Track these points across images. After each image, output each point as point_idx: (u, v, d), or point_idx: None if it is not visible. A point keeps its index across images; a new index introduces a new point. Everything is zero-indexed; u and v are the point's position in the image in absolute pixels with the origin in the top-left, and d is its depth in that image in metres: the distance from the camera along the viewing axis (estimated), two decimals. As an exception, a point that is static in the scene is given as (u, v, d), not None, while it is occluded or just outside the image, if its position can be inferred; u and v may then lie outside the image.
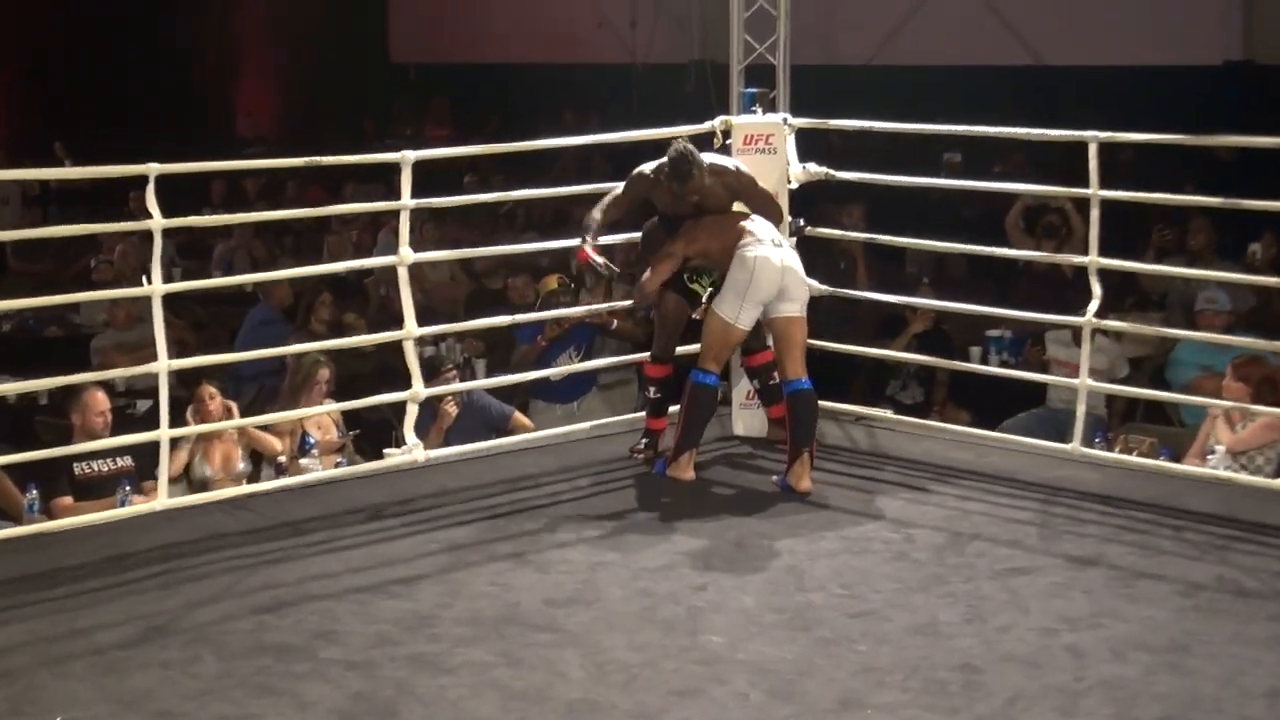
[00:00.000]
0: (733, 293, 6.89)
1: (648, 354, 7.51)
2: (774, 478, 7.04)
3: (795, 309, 6.97)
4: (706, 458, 7.48)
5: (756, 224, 7.00)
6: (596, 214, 7.10)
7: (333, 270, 8.94)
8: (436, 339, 10.07)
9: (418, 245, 7.37)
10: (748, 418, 7.84)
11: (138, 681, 5.01)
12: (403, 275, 7.09)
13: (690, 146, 6.97)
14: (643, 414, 7.63)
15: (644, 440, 7.43)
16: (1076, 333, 8.96)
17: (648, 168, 7.14)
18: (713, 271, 7.10)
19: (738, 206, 7.16)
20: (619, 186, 7.21)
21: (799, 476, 6.91)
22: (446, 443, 7.93)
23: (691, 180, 6.96)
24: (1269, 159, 7.12)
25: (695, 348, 7.21)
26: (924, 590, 5.76)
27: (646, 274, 7.16)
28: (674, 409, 7.35)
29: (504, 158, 11.72)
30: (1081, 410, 7.27)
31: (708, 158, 7.10)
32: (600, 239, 7.06)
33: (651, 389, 7.47)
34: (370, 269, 11.13)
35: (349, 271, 10.92)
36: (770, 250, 6.89)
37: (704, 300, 7.15)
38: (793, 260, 6.96)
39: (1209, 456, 7.53)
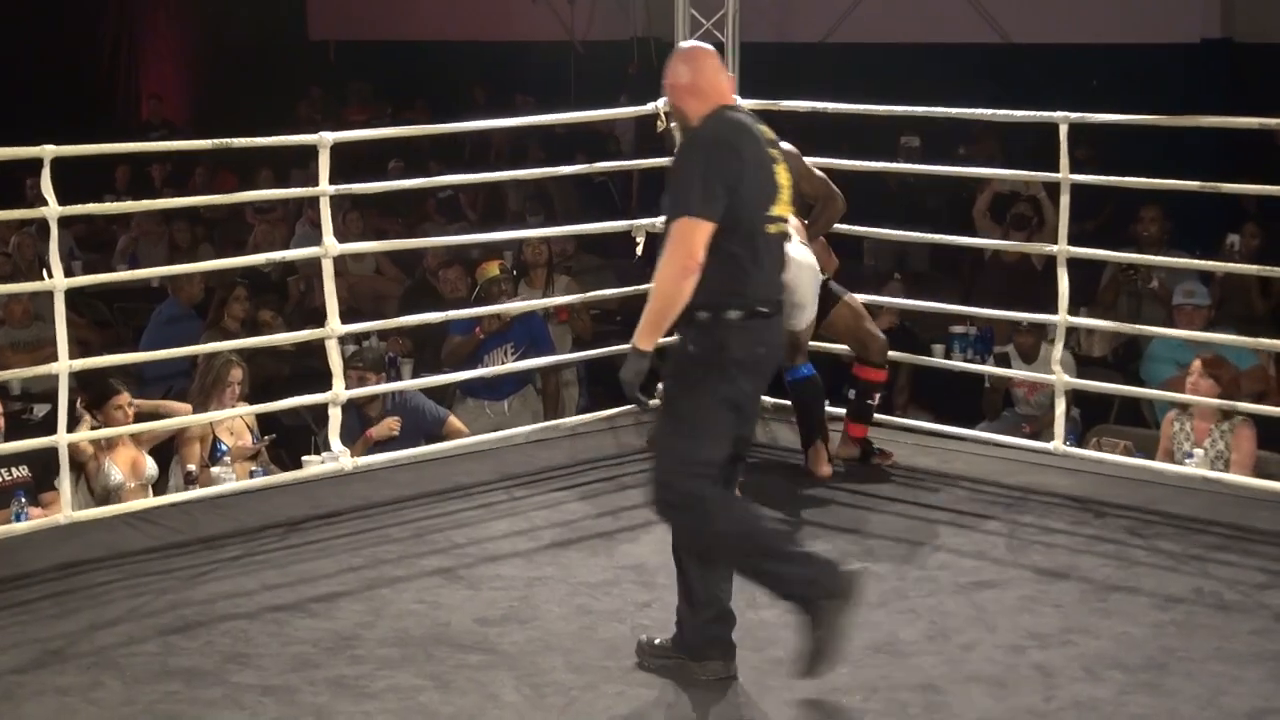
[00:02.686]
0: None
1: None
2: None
3: (805, 319, 7.08)
4: (646, 466, 7.46)
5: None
6: None
7: (249, 263, 8.85)
8: (359, 337, 10.04)
9: (340, 234, 7.33)
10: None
11: (32, 710, 4.96)
12: (327, 268, 7.05)
13: None
14: (582, 418, 7.66)
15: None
16: (1028, 351, 9.10)
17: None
18: None
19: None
20: None
21: (817, 461, 7.24)
22: (372, 448, 7.91)
23: None
24: (1250, 143, 7.19)
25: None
26: (883, 605, 5.77)
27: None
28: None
29: (435, 142, 11.73)
30: (1061, 408, 7.32)
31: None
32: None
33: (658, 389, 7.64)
34: (292, 265, 11.10)
35: (268, 265, 10.91)
36: (798, 251, 6.80)
37: None
38: (806, 258, 6.93)
39: (1187, 460, 7.57)
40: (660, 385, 7.73)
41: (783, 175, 5.04)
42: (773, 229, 5.01)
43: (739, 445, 5.11)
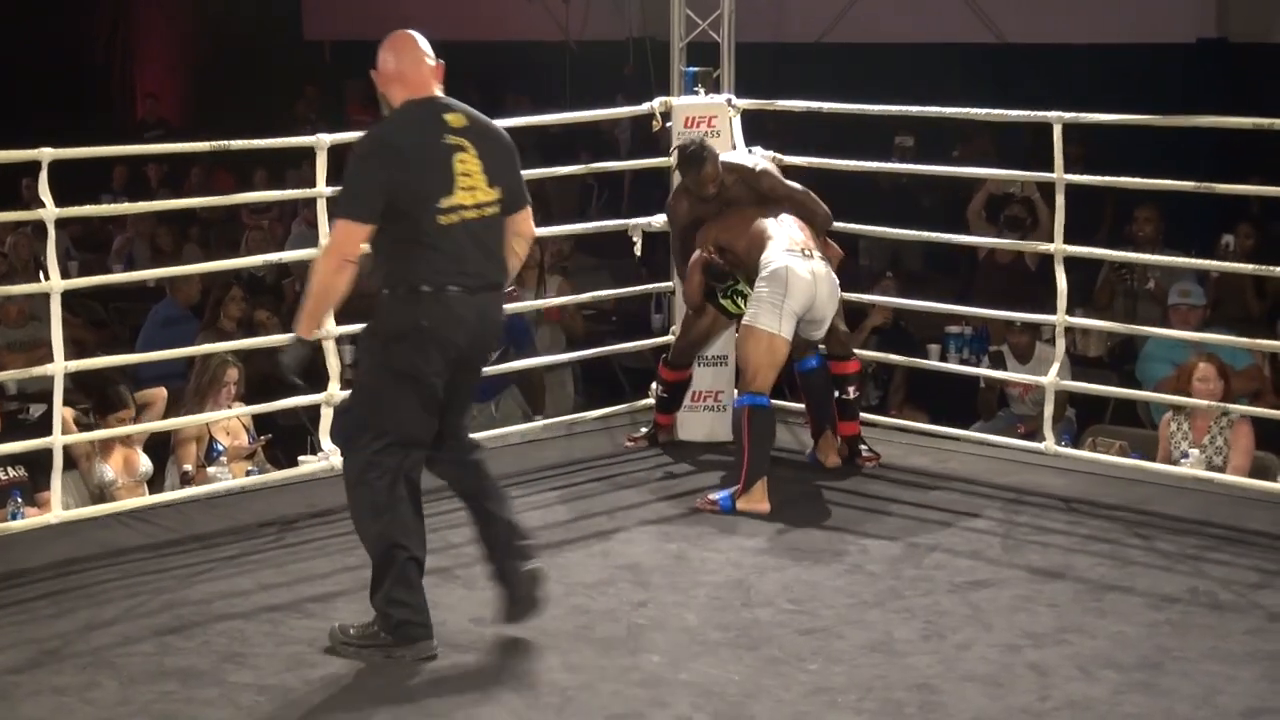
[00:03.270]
0: (768, 304, 6.85)
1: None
2: (806, 452, 7.50)
3: (822, 331, 7.12)
4: (648, 465, 7.50)
5: (781, 227, 7.03)
6: (690, 289, 7.36)
7: (245, 265, 8.86)
8: (355, 338, 10.02)
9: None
10: (693, 421, 7.86)
11: (29, 710, 4.97)
12: None
13: (702, 137, 7.33)
14: (575, 416, 7.81)
15: (644, 429, 7.84)
16: (1023, 351, 9.10)
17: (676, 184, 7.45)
18: (745, 287, 7.17)
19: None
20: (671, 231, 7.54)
21: (826, 451, 7.31)
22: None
23: (704, 169, 7.13)
24: (1245, 143, 7.19)
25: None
26: (879, 605, 5.78)
27: (685, 285, 7.41)
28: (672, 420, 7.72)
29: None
30: (1049, 410, 7.33)
31: (725, 155, 7.31)
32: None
33: (659, 387, 7.77)
34: (288, 266, 11.10)
35: (265, 267, 10.90)
36: (797, 260, 6.87)
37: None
38: (822, 269, 6.94)
39: (1182, 461, 7.59)
40: (654, 385, 7.81)
41: (468, 164, 5.25)
42: (449, 219, 5.22)
43: (428, 426, 5.33)
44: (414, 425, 5.29)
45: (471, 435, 5.68)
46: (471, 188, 5.27)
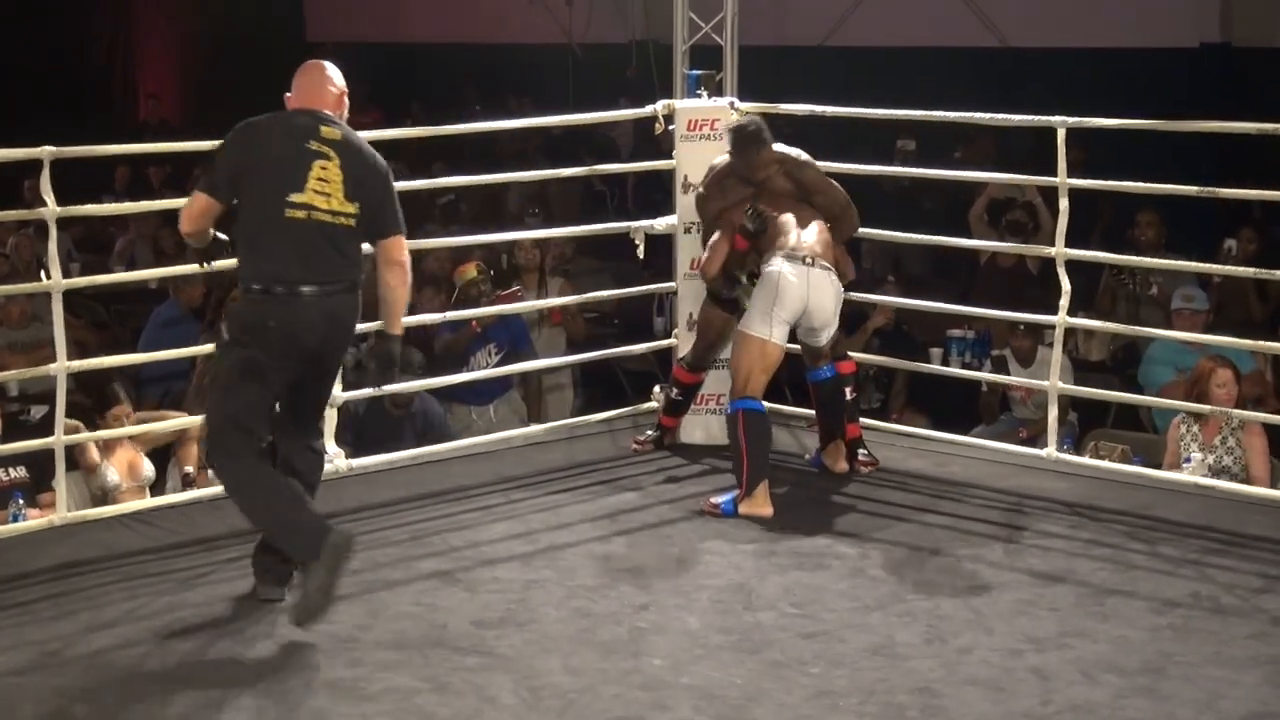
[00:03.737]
0: (759, 310, 6.87)
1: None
2: (806, 456, 7.51)
3: (826, 337, 7.10)
4: (650, 468, 7.50)
5: (795, 230, 7.00)
6: (711, 258, 7.27)
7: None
8: (358, 339, 10.02)
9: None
10: (696, 425, 7.86)
11: (30, 712, 4.96)
12: None
13: (759, 118, 7.26)
14: (578, 419, 7.75)
15: (650, 432, 7.81)
16: (1025, 354, 9.09)
17: (715, 163, 7.32)
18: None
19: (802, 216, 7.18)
20: (702, 218, 7.43)
21: (835, 458, 7.33)
22: (377, 450, 7.92)
23: (763, 151, 7.09)
24: (1248, 148, 7.19)
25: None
26: (881, 609, 5.78)
27: (704, 256, 7.31)
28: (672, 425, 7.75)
29: (435, 144, 11.68)
30: (1053, 414, 7.32)
31: (776, 146, 7.23)
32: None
33: (674, 390, 7.75)
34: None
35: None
36: (795, 268, 6.85)
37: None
38: (821, 280, 6.92)
39: (1184, 465, 7.58)
40: (659, 388, 7.81)
41: (328, 172, 5.55)
42: (296, 214, 5.53)
43: (266, 420, 5.62)
44: (252, 417, 5.55)
45: (317, 441, 5.92)
46: (327, 194, 5.56)
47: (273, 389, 5.58)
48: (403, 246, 5.76)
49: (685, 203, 7.76)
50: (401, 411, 8.74)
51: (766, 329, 6.83)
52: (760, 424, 6.87)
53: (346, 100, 5.81)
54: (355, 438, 8.39)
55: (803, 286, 6.85)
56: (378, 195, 5.67)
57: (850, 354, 7.55)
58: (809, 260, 6.90)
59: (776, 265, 6.87)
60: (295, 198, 5.51)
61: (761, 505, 6.78)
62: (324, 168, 5.55)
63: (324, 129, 5.60)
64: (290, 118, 5.67)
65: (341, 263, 5.60)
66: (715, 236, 7.25)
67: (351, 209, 5.58)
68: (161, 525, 6.57)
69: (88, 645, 5.42)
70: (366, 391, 8.32)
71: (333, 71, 5.79)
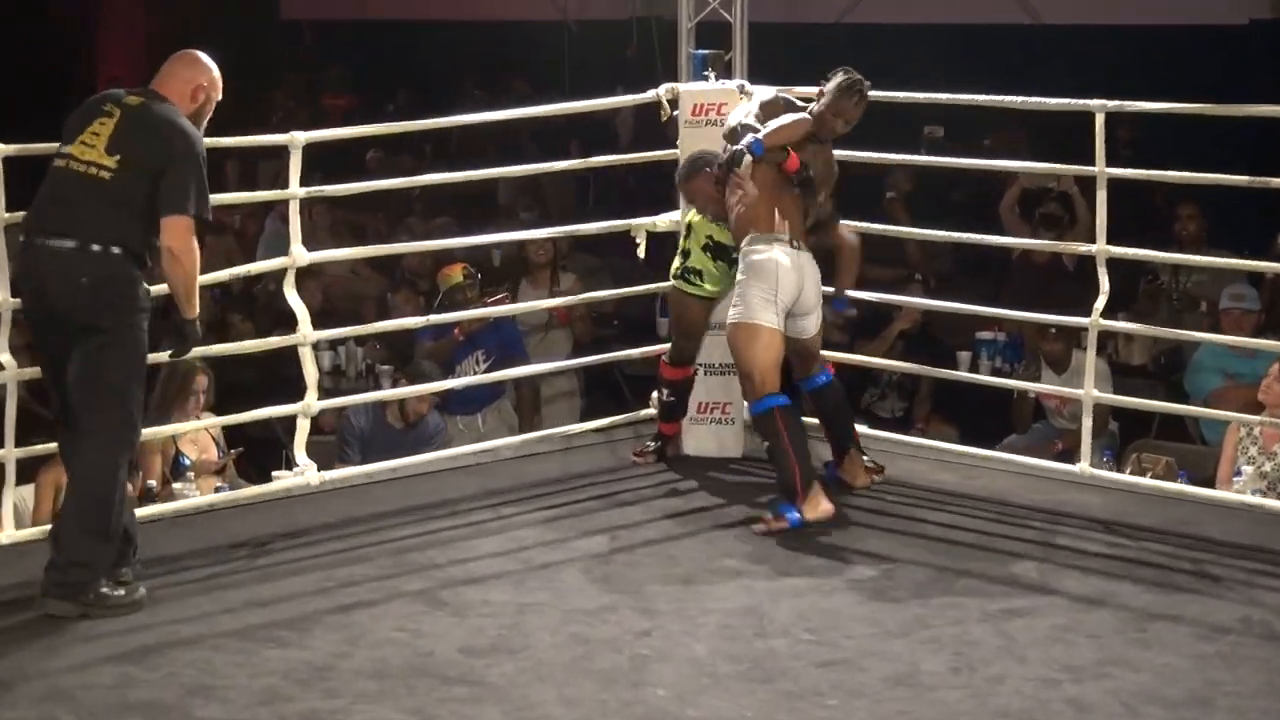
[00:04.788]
0: (759, 298, 6.91)
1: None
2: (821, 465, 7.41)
3: (814, 324, 7.14)
4: (652, 481, 7.50)
5: (791, 219, 7.06)
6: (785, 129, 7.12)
7: (214, 280, 8.72)
8: (335, 343, 10.03)
9: (309, 230, 7.33)
10: (699, 435, 7.86)
11: (-21, 746, 4.96)
12: (290, 280, 7.06)
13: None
14: (574, 427, 7.78)
15: (651, 443, 7.82)
16: (1058, 359, 9.07)
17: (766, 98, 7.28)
18: (716, 272, 7.34)
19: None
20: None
21: (854, 472, 7.34)
22: (361, 461, 7.95)
23: (860, 110, 7.14)
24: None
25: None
26: (904, 635, 5.78)
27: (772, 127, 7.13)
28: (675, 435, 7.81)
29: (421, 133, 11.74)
30: (1088, 425, 7.31)
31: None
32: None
33: (665, 391, 7.77)
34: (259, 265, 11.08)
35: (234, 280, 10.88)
36: (784, 252, 6.94)
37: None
38: (809, 263, 7.03)
39: (1235, 478, 7.58)
40: (655, 394, 7.80)
41: (104, 128, 5.82)
42: (59, 162, 5.86)
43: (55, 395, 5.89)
44: (50, 396, 5.87)
45: (85, 425, 5.86)
46: (91, 145, 5.81)
47: (43, 361, 5.86)
48: (179, 231, 5.84)
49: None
50: (406, 426, 8.78)
51: (772, 316, 6.89)
52: (794, 417, 6.95)
53: (211, 95, 6.05)
54: (362, 453, 8.47)
55: (797, 272, 6.95)
56: (153, 159, 5.80)
57: (870, 358, 7.56)
58: (797, 244, 7.00)
59: (771, 251, 6.92)
60: (65, 149, 5.84)
61: (820, 504, 6.81)
62: (101, 124, 5.83)
63: (130, 97, 5.92)
64: (116, 89, 6.04)
65: (87, 217, 5.74)
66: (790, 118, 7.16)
67: (109, 162, 5.77)
68: (122, 544, 6.55)
69: (42, 674, 5.41)
70: (364, 397, 8.36)
71: (193, 64, 6.07)
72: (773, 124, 7.07)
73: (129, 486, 6.27)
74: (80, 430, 5.83)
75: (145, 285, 5.89)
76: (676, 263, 7.63)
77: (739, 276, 6.99)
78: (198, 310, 6.00)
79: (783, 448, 6.83)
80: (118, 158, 5.77)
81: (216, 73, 6.13)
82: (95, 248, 5.73)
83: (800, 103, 7.26)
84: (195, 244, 5.88)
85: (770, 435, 6.87)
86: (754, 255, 6.94)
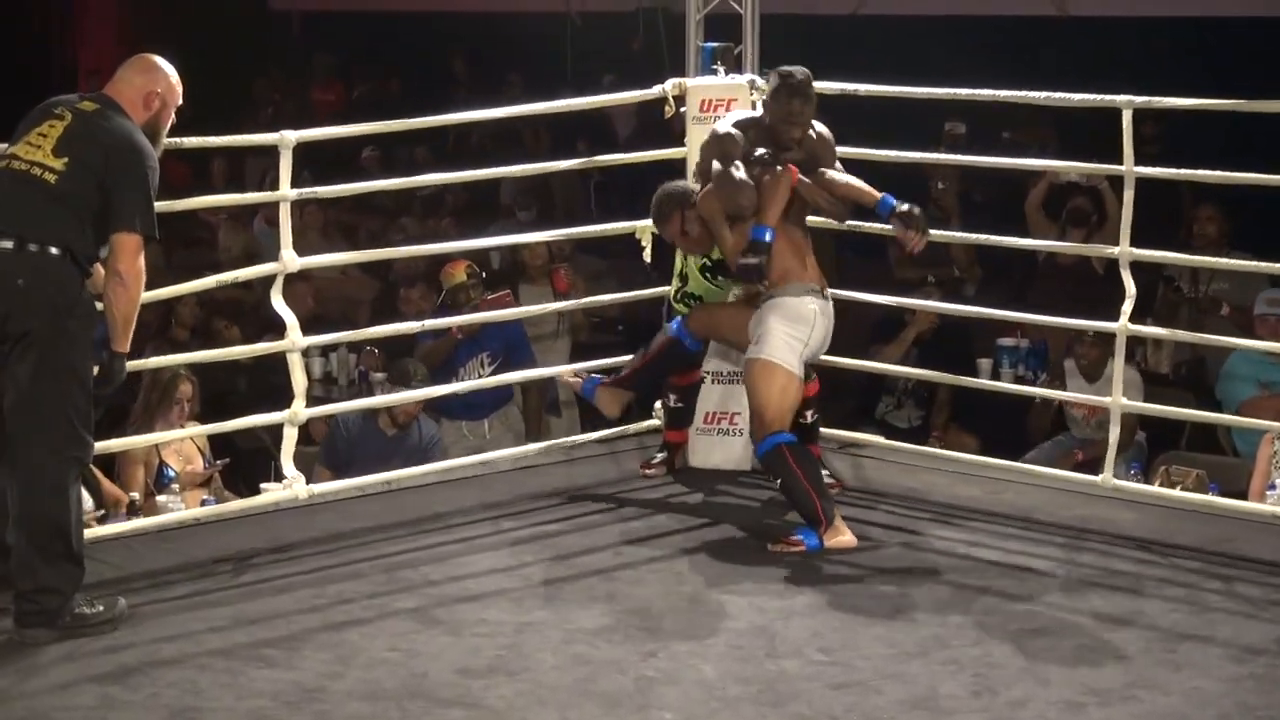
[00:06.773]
0: (785, 342, 6.91)
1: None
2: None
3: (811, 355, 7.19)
4: (659, 494, 7.50)
5: (812, 261, 7.12)
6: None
7: (199, 287, 8.73)
8: (326, 349, 10.04)
9: (300, 230, 7.34)
10: (706, 446, 7.86)
11: (-46, 771, 4.97)
12: (278, 285, 7.05)
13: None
14: (577, 438, 7.81)
15: (659, 454, 7.83)
16: (1091, 367, 9.03)
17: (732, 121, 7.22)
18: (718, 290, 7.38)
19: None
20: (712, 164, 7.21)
21: (609, 403, 7.62)
22: (353, 473, 7.93)
23: (808, 104, 7.07)
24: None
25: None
26: (922, 656, 5.78)
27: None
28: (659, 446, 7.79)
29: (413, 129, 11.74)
30: (1114, 435, 7.31)
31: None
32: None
33: (673, 397, 7.78)
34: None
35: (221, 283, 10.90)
36: (822, 304, 7.01)
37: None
38: (831, 313, 7.10)
39: (1269, 492, 7.58)
40: (658, 404, 7.82)
41: (52, 130, 5.83)
42: (3, 164, 5.86)
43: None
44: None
45: (24, 458, 5.81)
46: (38, 146, 5.82)
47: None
48: (129, 252, 5.81)
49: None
50: (398, 430, 8.78)
51: (795, 361, 6.91)
52: (806, 454, 6.99)
53: (168, 101, 6.12)
54: (346, 461, 8.46)
55: (828, 325, 7.04)
56: (101, 167, 5.80)
57: (877, 364, 7.56)
58: (825, 294, 7.05)
59: (810, 303, 6.96)
60: (11, 150, 5.86)
61: (846, 534, 6.85)
62: (51, 125, 5.85)
63: (84, 102, 5.94)
64: (71, 98, 6.00)
65: (27, 216, 5.73)
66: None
67: (56, 164, 5.76)
68: (102, 559, 6.52)
69: (20, 694, 5.41)
70: (353, 404, 8.38)
71: (148, 70, 6.14)
72: (766, 208, 7.05)
73: (84, 499, 6.32)
74: (19, 463, 5.78)
75: (89, 290, 5.85)
76: (675, 285, 7.63)
77: (770, 314, 6.96)
78: (129, 345, 5.96)
79: (797, 481, 6.85)
80: (65, 160, 5.77)
81: (175, 79, 6.14)
82: (32, 247, 5.70)
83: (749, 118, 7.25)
84: (143, 268, 5.85)
85: (782, 471, 6.89)
86: (792, 298, 6.96)
